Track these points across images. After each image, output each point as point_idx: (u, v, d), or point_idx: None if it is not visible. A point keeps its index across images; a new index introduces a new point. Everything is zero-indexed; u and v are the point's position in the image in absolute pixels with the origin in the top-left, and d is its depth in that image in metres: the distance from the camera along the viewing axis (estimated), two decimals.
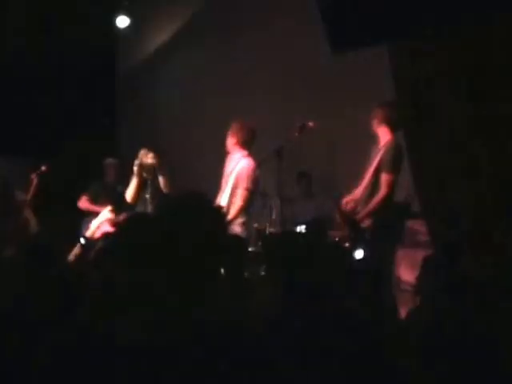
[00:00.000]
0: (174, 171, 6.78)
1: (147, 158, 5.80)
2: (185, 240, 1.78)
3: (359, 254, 4.49)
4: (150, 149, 5.88)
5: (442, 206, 4.27)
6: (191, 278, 1.78)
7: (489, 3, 4.05)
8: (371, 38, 4.61)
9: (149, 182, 5.83)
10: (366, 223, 4.84)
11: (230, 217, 5.35)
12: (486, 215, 4.16)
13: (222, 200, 5.50)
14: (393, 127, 5.00)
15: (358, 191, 5.03)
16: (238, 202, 5.43)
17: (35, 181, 6.64)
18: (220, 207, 1.91)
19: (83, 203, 6.87)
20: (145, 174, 5.85)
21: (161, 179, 5.74)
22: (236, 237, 4.42)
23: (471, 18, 4.10)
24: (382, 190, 4.88)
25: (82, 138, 7.75)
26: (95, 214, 6.32)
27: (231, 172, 5.53)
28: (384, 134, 5.06)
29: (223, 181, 5.69)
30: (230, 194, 5.48)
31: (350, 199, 5.05)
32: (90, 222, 6.38)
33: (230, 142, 5.58)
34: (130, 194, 5.95)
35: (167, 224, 1.82)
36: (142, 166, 5.80)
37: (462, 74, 4.28)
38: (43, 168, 6.69)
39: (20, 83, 7.59)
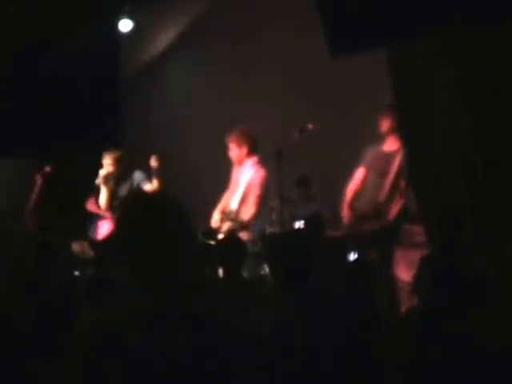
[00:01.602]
0: (177, 174, 6.83)
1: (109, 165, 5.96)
2: (144, 239, 1.82)
3: (356, 255, 4.53)
4: (111, 154, 6.04)
5: (438, 206, 4.28)
6: (154, 277, 1.82)
7: (488, 3, 4.07)
8: (371, 39, 4.63)
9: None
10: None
11: (245, 222, 5.41)
12: (483, 215, 4.18)
13: (233, 204, 5.57)
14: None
15: (381, 196, 5.01)
16: (252, 209, 5.49)
17: (39, 181, 6.66)
18: (180, 205, 1.93)
19: (90, 205, 6.93)
20: (111, 182, 6.04)
21: (154, 182, 5.86)
22: (236, 239, 4.46)
23: (471, 18, 4.11)
24: (402, 200, 4.88)
25: (85, 141, 7.78)
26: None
27: (243, 178, 5.59)
28: (395, 139, 5.03)
29: (232, 184, 5.75)
30: (241, 200, 5.55)
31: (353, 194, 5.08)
32: (98, 222, 6.54)
33: (240, 153, 5.58)
34: (103, 202, 6.13)
35: (129, 223, 1.86)
36: (108, 175, 5.97)
37: (461, 73, 4.29)
38: (47, 169, 6.71)
39: (23, 85, 7.60)
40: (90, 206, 6.82)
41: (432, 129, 4.34)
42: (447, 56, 4.35)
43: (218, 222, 5.62)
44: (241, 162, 5.65)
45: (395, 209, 4.90)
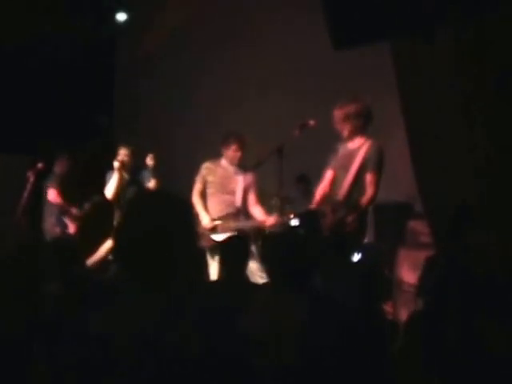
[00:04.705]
0: (172, 170, 6.75)
1: (125, 156, 5.90)
2: (145, 238, 1.78)
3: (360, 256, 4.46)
4: (129, 148, 5.97)
5: (444, 206, 4.24)
6: (155, 277, 1.79)
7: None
8: (373, 34, 4.57)
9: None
10: (353, 225, 4.79)
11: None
12: (488, 214, 4.14)
13: (237, 201, 5.64)
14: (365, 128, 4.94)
15: (341, 192, 4.98)
16: (259, 208, 5.66)
17: (32, 178, 6.59)
18: (186, 204, 1.91)
19: (54, 197, 6.81)
20: (124, 174, 5.97)
21: (152, 181, 5.84)
22: (238, 236, 4.41)
23: (472, 17, 4.08)
24: (370, 191, 4.80)
25: (80, 137, 7.70)
26: None
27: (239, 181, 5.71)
28: (358, 139, 4.99)
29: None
30: (242, 200, 5.67)
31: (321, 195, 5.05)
32: (62, 217, 6.45)
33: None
34: (110, 190, 6.04)
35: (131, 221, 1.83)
36: (125, 163, 5.89)
37: (464, 71, 4.26)
38: (39, 165, 6.64)
39: (17, 81, 7.54)
40: (54, 197, 6.67)
41: (440, 125, 4.30)
42: (454, 46, 4.30)
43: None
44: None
45: (364, 203, 4.85)
